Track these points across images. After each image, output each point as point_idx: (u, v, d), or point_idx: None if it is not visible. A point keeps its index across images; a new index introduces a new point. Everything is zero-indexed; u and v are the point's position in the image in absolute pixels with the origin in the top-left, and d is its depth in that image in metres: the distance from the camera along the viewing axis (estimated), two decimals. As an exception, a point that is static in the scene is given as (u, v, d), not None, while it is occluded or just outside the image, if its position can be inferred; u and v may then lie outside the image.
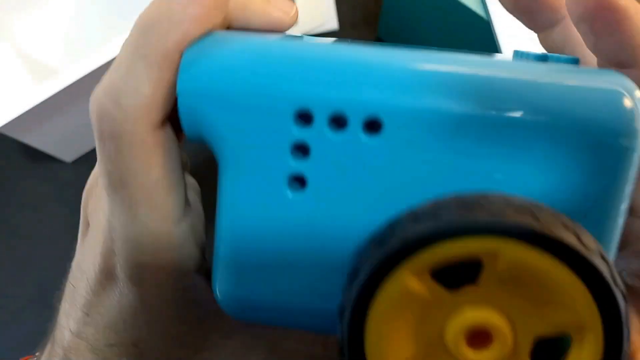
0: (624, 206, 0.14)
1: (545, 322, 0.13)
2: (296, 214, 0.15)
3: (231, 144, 0.15)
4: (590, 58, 0.16)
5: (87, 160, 0.44)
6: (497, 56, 0.17)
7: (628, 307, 0.12)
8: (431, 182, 0.14)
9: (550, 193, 0.14)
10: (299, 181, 0.15)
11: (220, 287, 0.16)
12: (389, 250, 0.13)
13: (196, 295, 0.18)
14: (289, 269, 0.16)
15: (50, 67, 0.43)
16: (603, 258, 0.12)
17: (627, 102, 0.13)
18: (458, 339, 0.13)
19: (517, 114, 0.14)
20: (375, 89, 0.14)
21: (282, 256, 0.16)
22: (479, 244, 0.12)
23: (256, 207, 0.15)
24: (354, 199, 0.15)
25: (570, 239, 0.12)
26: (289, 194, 0.15)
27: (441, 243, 0.12)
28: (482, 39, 0.35)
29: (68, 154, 0.44)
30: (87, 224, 0.19)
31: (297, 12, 0.18)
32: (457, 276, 0.13)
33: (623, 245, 0.15)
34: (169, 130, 0.16)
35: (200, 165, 0.32)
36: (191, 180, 0.20)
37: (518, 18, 0.18)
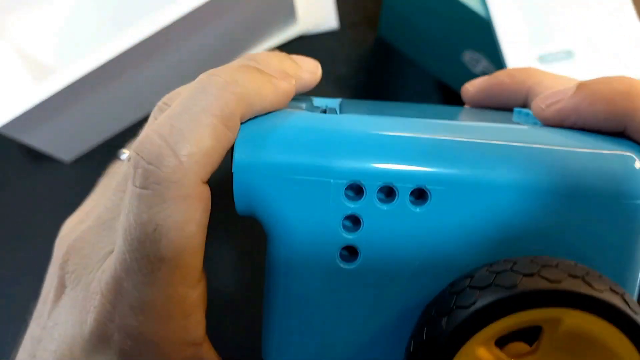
0: None
1: None
2: (349, 284, 0.15)
3: (284, 217, 0.15)
4: None
5: (87, 160, 0.44)
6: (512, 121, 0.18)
7: None
8: (478, 248, 0.15)
9: (586, 254, 0.15)
10: (351, 252, 0.16)
11: (270, 353, 0.16)
12: (460, 324, 0.13)
13: None
14: (341, 340, 0.16)
15: (50, 67, 0.43)
16: None
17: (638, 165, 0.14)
18: None
19: (551, 182, 0.15)
20: (422, 161, 0.15)
21: (334, 327, 0.16)
22: (541, 312, 0.13)
23: (310, 278, 0.15)
24: (404, 267, 0.15)
25: (619, 302, 0.13)
26: (342, 265, 0.15)
27: (507, 315, 0.13)
28: (482, 39, 0.35)
29: (68, 154, 0.44)
30: (63, 287, 0.17)
31: (320, 71, 0.19)
32: (515, 339, 0.14)
33: None
34: (208, 190, 0.15)
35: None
36: None
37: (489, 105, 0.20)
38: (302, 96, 0.20)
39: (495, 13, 0.33)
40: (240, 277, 0.39)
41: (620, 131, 0.15)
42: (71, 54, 0.43)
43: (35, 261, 0.42)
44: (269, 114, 0.16)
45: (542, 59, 0.32)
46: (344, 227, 0.15)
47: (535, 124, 0.17)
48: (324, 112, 0.18)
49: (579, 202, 0.15)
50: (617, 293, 0.13)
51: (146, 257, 0.14)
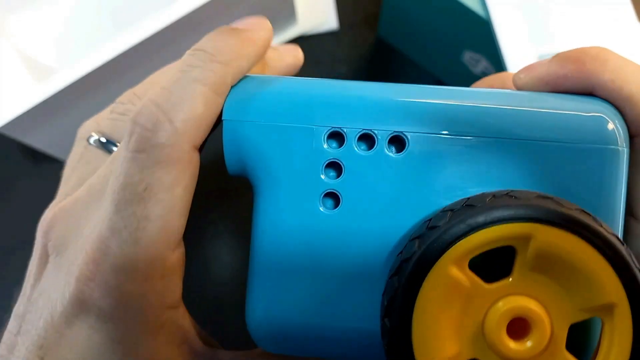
0: (623, 201, 0.16)
1: (578, 307, 0.13)
2: (331, 231, 0.16)
3: (269, 165, 0.16)
4: None
5: (87, 160, 0.44)
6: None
7: None
8: (453, 189, 0.16)
9: (561, 194, 0.15)
10: (332, 198, 0.16)
11: (253, 313, 0.16)
12: (431, 242, 0.14)
13: (178, 331, 0.16)
14: (324, 287, 0.16)
15: (50, 67, 0.43)
16: (620, 241, 0.13)
17: (610, 124, 0.16)
18: (499, 328, 0.13)
19: (529, 136, 0.16)
20: (400, 108, 0.16)
21: (317, 274, 0.16)
22: (510, 228, 0.13)
23: (292, 226, 0.16)
24: (385, 212, 0.16)
25: (590, 221, 0.13)
26: (324, 211, 0.16)
27: (478, 230, 0.13)
28: (482, 39, 0.35)
29: (68, 154, 0.44)
30: (46, 256, 0.17)
31: (301, 53, 0.21)
32: (493, 272, 0.14)
33: None
34: (198, 156, 0.16)
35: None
36: None
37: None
38: None
39: (495, 13, 0.33)
40: (243, 273, 0.39)
41: (589, 92, 0.17)
42: (71, 54, 0.43)
43: (35, 261, 0.43)
44: (256, 77, 0.17)
45: (542, 59, 0.32)
46: (327, 175, 0.16)
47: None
48: None
49: (555, 152, 0.16)
50: (586, 213, 0.13)
51: (133, 215, 0.15)
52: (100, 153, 0.20)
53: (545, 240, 0.13)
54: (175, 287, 0.16)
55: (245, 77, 0.17)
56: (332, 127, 0.16)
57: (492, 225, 0.13)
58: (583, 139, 0.15)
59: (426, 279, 0.14)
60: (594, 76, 0.16)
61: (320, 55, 0.45)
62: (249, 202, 0.17)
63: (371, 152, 0.16)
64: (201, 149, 0.17)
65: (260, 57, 0.18)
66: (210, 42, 0.17)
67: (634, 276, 0.13)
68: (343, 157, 0.16)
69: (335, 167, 0.16)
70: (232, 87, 0.17)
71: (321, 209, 0.16)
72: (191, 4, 0.36)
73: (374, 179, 0.16)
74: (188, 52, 0.17)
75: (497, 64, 0.36)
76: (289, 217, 0.16)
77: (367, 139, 0.16)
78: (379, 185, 0.16)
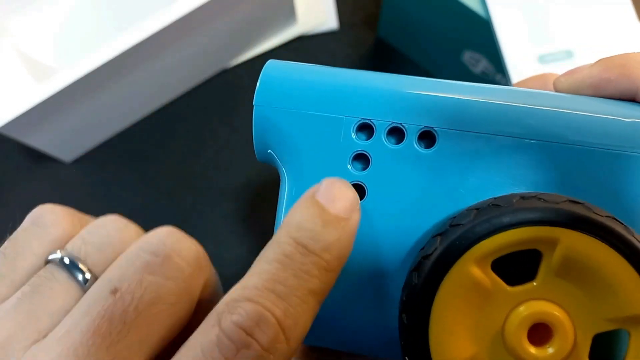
0: None
1: (604, 317, 0.13)
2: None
3: (296, 152, 0.16)
4: None
5: (87, 160, 0.44)
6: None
7: None
8: (481, 188, 0.15)
9: (595, 200, 0.15)
10: (358, 190, 0.16)
11: None
12: (453, 239, 0.13)
13: None
14: (345, 278, 0.16)
15: (50, 67, 0.43)
16: None
17: None
18: (519, 333, 0.13)
19: (565, 139, 0.15)
20: (432, 103, 0.16)
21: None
22: (536, 231, 0.13)
23: None
24: (410, 207, 0.16)
25: (621, 229, 0.13)
26: None
27: (503, 231, 0.13)
28: (482, 39, 0.35)
29: (68, 154, 0.44)
30: None
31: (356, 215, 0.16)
32: (517, 275, 0.14)
33: None
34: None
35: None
36: None
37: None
38: None
39: (495, 13, 0.33)
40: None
41: (632, 97, 0.16)
42: (71, 54, 0.43)
43: (35, 261, 0.43)
44: (291, 64, 0.17)
45: (542, 59, 0.32)
46: (354, 167, 0.16)
47: None
48: None
49: (592, 157, 0.15)
50: (617, 221, 0.13)
51: None
52: (62, 277, 0.16)
53: (572, 246, 0.13)
54: None
55: (276, 62, 0.17)
56: (362, 119, 0.16)
57: (518, 227, 0.13)
58: (622, 145, 0.15)
59: (446, 277, 0.13)
60: (638, 81, 0.16)
61: (320, 55, 0.45)
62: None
63: (400, 146, 0.16)
64: None
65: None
66: (316, 236, 0.14)
67: None
68: (371, 149, 0.16)
69: (362, 159, 0.16)
70: (262, 72, 0.16)
71: None
72: (191, 4, 0.36)
73: (401, 173, 0.16)
74: (298, 249, 0.14)
75: (497, 64, 0.36)
76: None
77: (397, 133, 0.16)
78: (405, 180, 0.16)
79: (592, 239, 0.13)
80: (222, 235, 0.41)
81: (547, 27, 0.33)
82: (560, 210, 0.13)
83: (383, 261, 0.16)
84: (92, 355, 0.14)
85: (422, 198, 0.16)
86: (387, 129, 0.16)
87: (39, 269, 0.16)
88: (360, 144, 0.16)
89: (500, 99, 0.16)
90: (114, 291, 0.14)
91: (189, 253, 0.16)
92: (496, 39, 0.33)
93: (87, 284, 0.15)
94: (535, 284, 0.13)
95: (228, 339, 0.13)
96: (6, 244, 0.16)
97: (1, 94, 0.40)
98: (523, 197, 0.14)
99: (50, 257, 0.16)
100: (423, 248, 0.14)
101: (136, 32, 0.36)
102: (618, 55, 0.17)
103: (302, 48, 0.45)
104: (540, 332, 0.13)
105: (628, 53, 0.17)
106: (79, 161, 0.44)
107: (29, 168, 0.44)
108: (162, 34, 0.37)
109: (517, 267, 0.14)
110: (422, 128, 0.16)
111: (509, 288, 0.13)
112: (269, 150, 0.16)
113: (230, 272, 0.39)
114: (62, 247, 0.16)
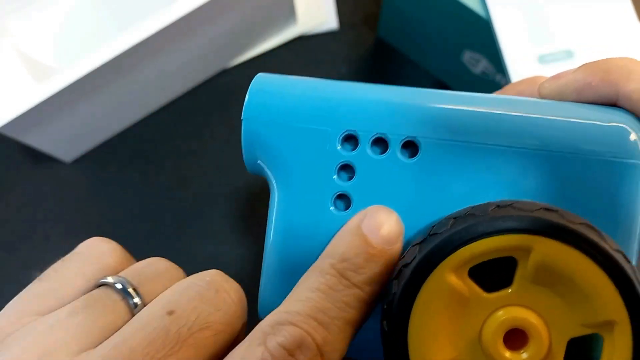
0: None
1: (578, 322, 0.13)
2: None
3: (284, 164, 0.17)
4: None
5: (87, 160, 0.44)
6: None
7: None
8: (463, 196, 0.16)
9: (576, 207, 0.15)
10: (344, 200, 0.16)
11: (265, 307, 0.17)
12: (431, 248, 0.14)
13: None
14: None
15: (50, 67, 0.43)
16: (625, 258, 0.13)
17: (632, 136, 0.15)
18: (495, 338, 0.13)
19: (544, 146, 0.15)
20: (414, 113, 0.16)
21: None
22: (510, 239, 0.13)
23: (304, 225, 0.16)
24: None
25: (594, 236, 0.13)
26: (335, 212, 0.16)
27: (478, 239, 0.13)
28: (482, 39, 0.35)
29: (68, 154, 0.44)
30: None
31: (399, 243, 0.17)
32: (494, 282, 0.14)
33: None
34: None
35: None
36: None
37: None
38: None
39: (495, 13, 0.33)
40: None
41: (613, 102, 0.16)
42: (71, 54, 0.43)
43: (35, 261, 0.42)
44: (279, 77, 0.17)
45: (542, 59, 0.32)
46: (340, 177, 0.16)
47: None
48: None
49: (572, 163, 0.15)
50: (592, 228, 0.13)
51: None
52: (114, 298, 0.16)
53: (546, 253, 0.13)
54: None
55: (264, 76, 0.17)
56: (347, 130, 0.16)
57: (492, 236, 0.13)
58: (602, 151, 0.15)
59: (424, 285, 0.13)
60: (618, 86, 0.16)
61: (320, 55, 0.45)
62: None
63: (384, 156, 0.16)
64: None
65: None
66: (359, 270, 0.15)
67: (637, 294, 0.13)
68: (356, 160, 0.16)
69: (348, 169, 0.16)
70: (250, 86, 0.17)
71: (332, 209, 0.16)
72: (191, 4, 0.36)
73: (385, 183, 0.16)
74: (341, 281, 0.15)
75: (497, 64, 0.36)
76: (302, 216, 0.16)
77: (381, 143, 0.16)
78: (389, 189, 0.16)
79: (566, 246, 0.13)
80: (222, 235, 0.41)
81: (547, 27, 0.33)
82: (533, 219, 0.13)
83: None
84: None
85: (406, 207, 0.16)
86: (371, 140, 0.16)
87: (87, 291, 0.16)
88: (345, 155, 0.16)
89: (480, 107, 0.16)
90: (170, 312, 0.15)
91: (237, 293, 0.16)
92: (496, 39, 0.33)
93: (137, 309, 0.16)
94: (510, 290, 0.14)
95: (272, 357, 0.14)
96: (59, 262, 0.17)
97: (1, 94, 0.40)
98: (499, 206, 0.14)
99: (104, 280, 0.16)
100: (403, 257, 0.15)
101: (136, 32, 0.36)
102: (602, 60, 0.17)
103: (302, 48, 0.45)
104: (517, 337, 0.13)
105: (611, 58, 0.17)
106: (79, 161, 0.44)
107: (29, 168, 0.44)
108: (162, 34, 0.37)
109: (494, 274, 0.14)
110: (405, 138, 0.16)
111: (485, 295, 0.14)
112: (259, 161, 0.17)
113: (230, 272, 0.39)
114: (113, 275, 0.17)
